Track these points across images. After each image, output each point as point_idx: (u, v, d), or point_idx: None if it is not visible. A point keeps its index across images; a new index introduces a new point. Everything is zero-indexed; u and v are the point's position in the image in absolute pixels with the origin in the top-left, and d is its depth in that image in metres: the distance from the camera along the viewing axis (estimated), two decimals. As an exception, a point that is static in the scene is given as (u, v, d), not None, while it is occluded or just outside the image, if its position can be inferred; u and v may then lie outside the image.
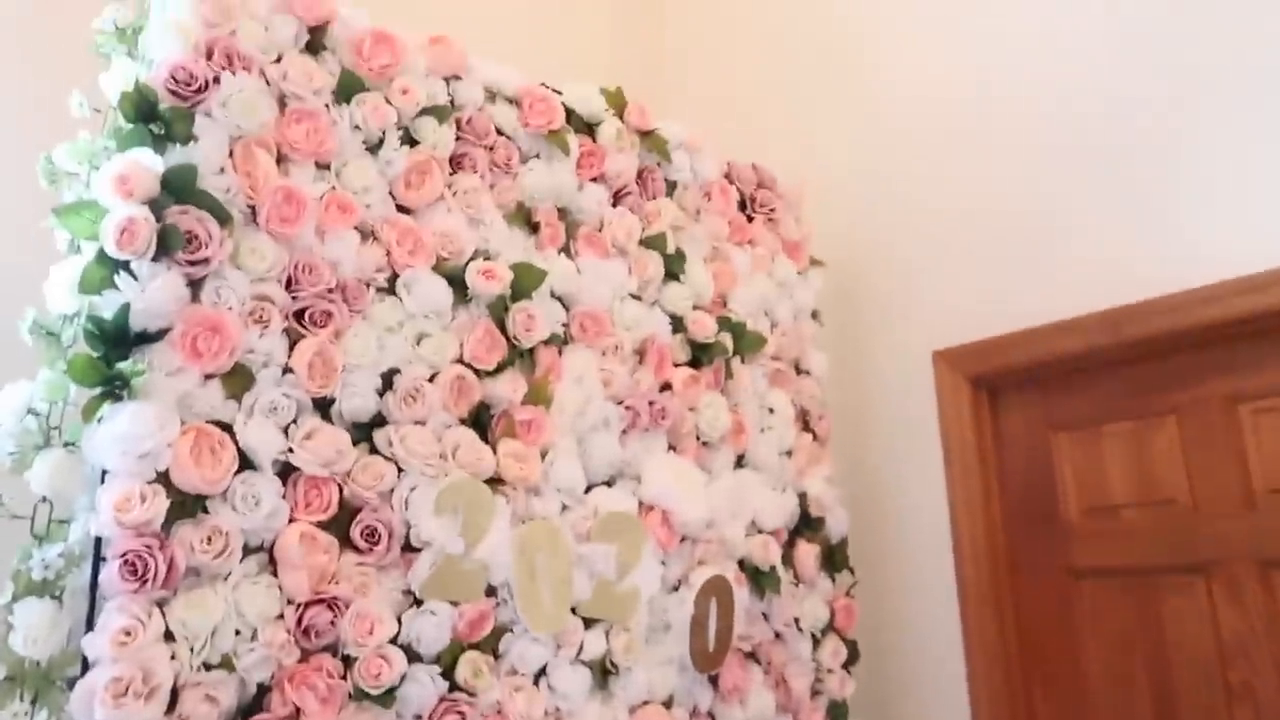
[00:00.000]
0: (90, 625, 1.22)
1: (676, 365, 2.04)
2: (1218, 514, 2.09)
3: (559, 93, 2.01)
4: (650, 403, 1.92)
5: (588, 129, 2.06)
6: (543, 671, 1.62)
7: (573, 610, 1.67)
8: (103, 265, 1.37)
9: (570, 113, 2.03)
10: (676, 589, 1.87)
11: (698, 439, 2.02)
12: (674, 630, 1.82)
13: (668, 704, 1.78)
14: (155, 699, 1.19)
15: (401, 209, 1.70)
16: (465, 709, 1.46)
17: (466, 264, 1.73)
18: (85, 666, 1.20)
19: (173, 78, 1.46)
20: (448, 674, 1.49)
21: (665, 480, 1.87)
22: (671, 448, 1.96)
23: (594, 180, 2.03)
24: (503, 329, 1.74)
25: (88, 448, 1.28)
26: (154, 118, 1.46)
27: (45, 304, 1.40)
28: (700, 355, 2.10)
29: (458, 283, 1.71)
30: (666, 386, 2.00)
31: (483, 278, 1.73)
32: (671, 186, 2.20)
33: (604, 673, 1.71)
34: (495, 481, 1.64)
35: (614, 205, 2.06)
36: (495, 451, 1.65)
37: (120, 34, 1.57)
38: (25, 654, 1.19)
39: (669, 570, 1.86)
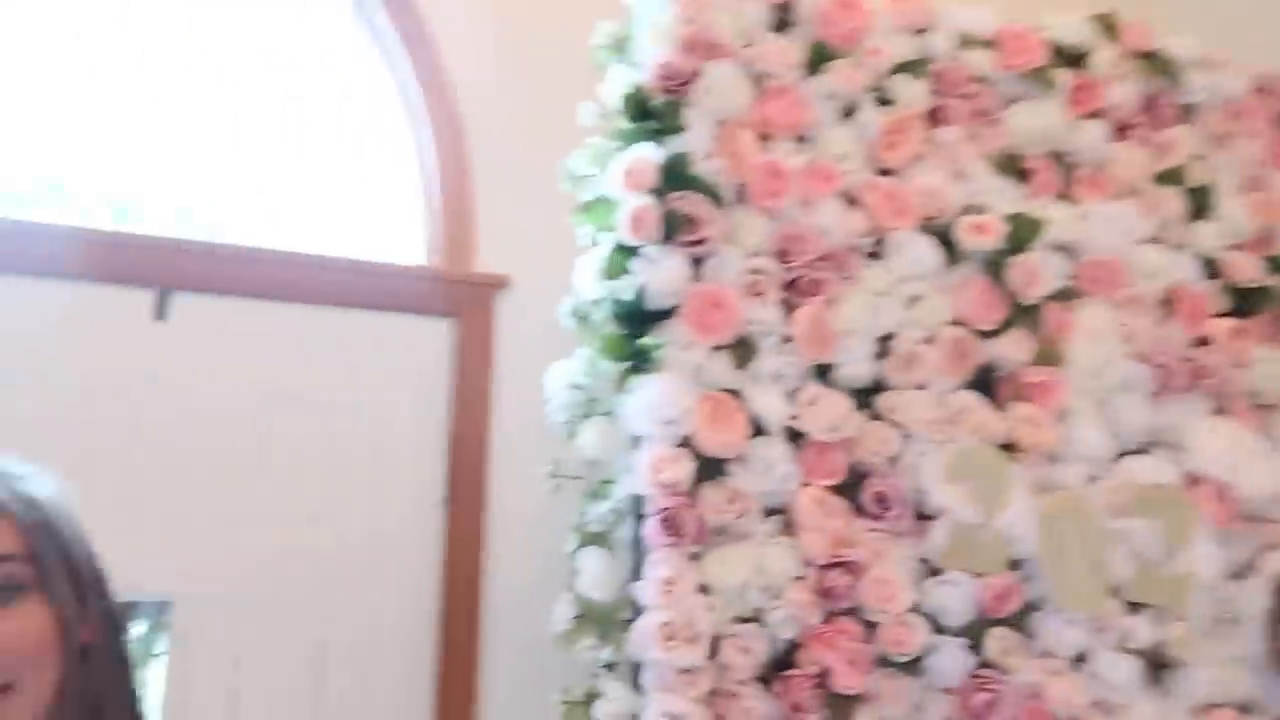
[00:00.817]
0: (638, 574, 1.41)
1: (1215, 316, 1.84)
2: None
3: (1041, 27, 1.94)
4: (1185, 359, 1.75)
5: (1076, 61, 1.96)
6: (1083, 657, 1.54)
7: (1113, 592, 1.57)
8: (620, 253, 1.58)
9: (1055, 47, 1.94)
10: (1242, 576, 1.67)
11: (1252, 401, 1.80)
12: (1243, 624, 1.63)
13: (1243, 710, 1.59)
14: (698, 645, 1.35)
15: (882, 171, 1.75)
16: (997, 687, 1.44)
17: (955, 221, 1.73)
18: (637, 610, 1.39)
19: (661, 75, 1.66)
20: (975, 649, 1.48)
21: (1217, 448, 1.69)
22: (1218, 411, 1.77)
23: (1090, 116, 1.92)
24: (1001, 286, 1.71)
25: (622, 416, 1.49)
26: (649, 114, 1.66)
27: (577, 292, 1.65)
28: (1245, 303, 1.87)
29: (947, 241, 1.72)
30: (1203, 341, 1.81)
31: (974, 233, 1.71)
32: (1187, 111, 2.00)
33: (1157, 665, 1.58)
34: (1007, 448, 1.61)
35: (1117, 141, 1.93)
36: (1004, 416, 1.62)
37: (614, 45, 1.82)
38: (590, 596, 1.41)
39: (1230, 553, 1.67)
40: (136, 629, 1.77)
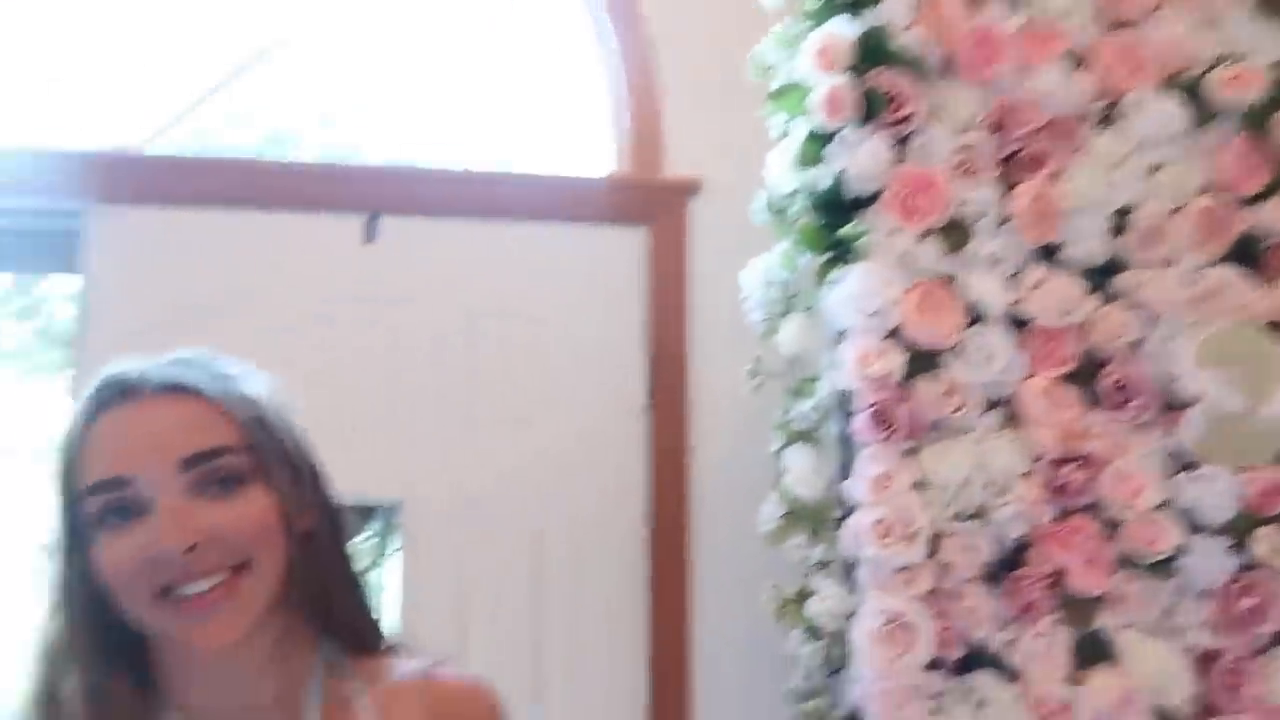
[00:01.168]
0: (847, 471, 1.39)
1: None
2: None
3: None
4: None
5: None
6: (1373, 559, 1.39)
7: None
8: (814, 140, 1.54)
9: None
10: None
11: None
12: None
13: None
14: (916, 542, 1.31)
15: (1115, 25, 1.61)
16: (1268, 588, 1.33)
17: (1204, 74, 1.57)
18: (848, 508, 1.37)
19: (852, -57, 1.58)
20: (1239, 549, 1.37)
21: None
22: None
23: (1382, -63, 1.68)
24: (1265, 145, 1.54)
25: (824, 309, 1.46)
26: (842, -13, 1.59)
27: (771, 186, 1.62)
28: None
29: (1195, 99, 1.56)
30: None
31: (1230, 86, 1.55)
32: None
33: None
34: (1277, 327, 1.46)
35: None
36: (1271, 292, 1.48)
37: (805, -80, 1.75)
38: (797, 494, 1.40)
39: None
40: (372, 530, 1.95)
